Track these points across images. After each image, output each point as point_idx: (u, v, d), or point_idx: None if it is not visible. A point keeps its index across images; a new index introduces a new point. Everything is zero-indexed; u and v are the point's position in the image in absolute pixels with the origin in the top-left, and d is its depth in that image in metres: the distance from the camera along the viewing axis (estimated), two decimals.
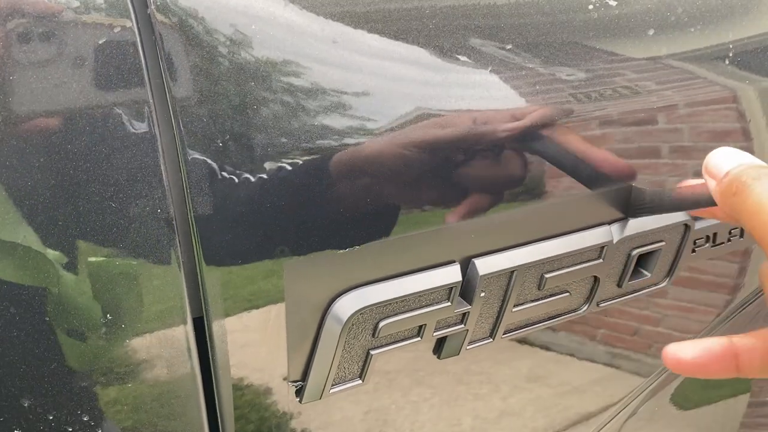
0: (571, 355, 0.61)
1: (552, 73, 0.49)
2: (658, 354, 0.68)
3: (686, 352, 0.41)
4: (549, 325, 0.53)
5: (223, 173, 0.37)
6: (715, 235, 0.60)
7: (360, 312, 0.42)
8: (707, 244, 0.60)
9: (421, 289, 0.44)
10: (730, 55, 0.57)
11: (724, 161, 0.40)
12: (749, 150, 0.61)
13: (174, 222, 0.37)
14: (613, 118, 0.51)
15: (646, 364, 0.68)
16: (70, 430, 0.38)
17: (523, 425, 0.62)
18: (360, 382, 0.45)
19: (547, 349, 0.59)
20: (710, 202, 0.42)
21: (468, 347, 0.49)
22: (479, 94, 0.45)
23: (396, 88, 0.43)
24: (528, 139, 0.46)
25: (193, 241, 0.37)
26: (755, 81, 0.60)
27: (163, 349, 0.39)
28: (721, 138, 0.59)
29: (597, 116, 0.50)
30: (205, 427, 0.42)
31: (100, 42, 0.34)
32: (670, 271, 0.58)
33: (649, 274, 0.56)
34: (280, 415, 0.45)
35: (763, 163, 0.39)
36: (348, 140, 0.40)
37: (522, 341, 0.56)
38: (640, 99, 0.52)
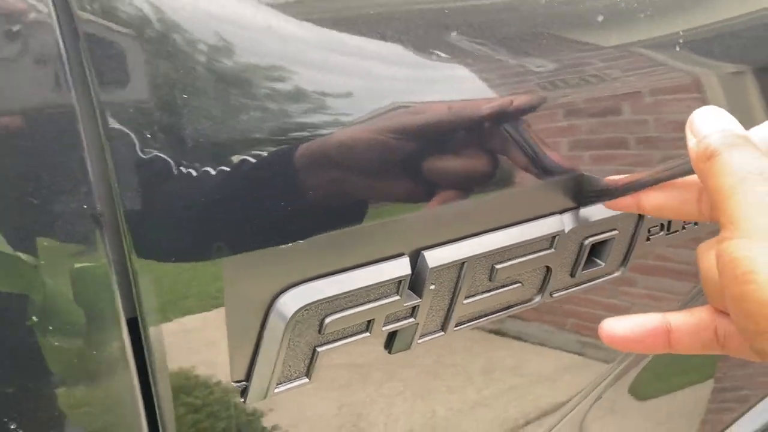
0: (542, 344, 0.61)
1: (521, 65, 0.48)
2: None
3: (620, 325, 0.42)
4: (502, 317, 0.52)
5: (153, 166, 0.35)
6: (669, 223, 0.60)
7: (305, 308, 0.41)
8: (662, 233, 0.60)
9: (369, 284, 0.43)
10: (691, 40, 0.57)
11: (707, 122, 0.40)
12: None
13: (101, 219, 0.35)
14: (579, 106, 0.50)
15: (614, 352, 0.68)
16: None
17: (495, 416, 0.61)
18: (307, 380, 0.44)
19: (519, 339, 0.58)
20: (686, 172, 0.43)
21: (419, 341, 0.48)
22: (450, 88, 0.45)
23: (366, 83, 0.41)
24: (478, 129, 0.44)
25: (123, 238, 0.35)
26: (716, 67, 0.60)
27: (94, 351, 0.37)
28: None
29: (562, 104, 0.49)
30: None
31: (15, 30, 0.32)
32: (625, 260, 0.58)
33: (602, 264, 0.56)
34: (248, 414, 0.44)
35: (744, 132, 0.39)
36: (288, 132, 0.38)
37: (493, 332, 0.56)
38: (605, 86, 0.52)
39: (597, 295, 0.62)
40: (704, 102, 0.59)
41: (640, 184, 0.46)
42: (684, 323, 0.41)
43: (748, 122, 0.41)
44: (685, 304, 0.70)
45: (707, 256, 0.41)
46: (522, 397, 0.63)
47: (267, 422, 0.46)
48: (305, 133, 0.39)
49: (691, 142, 0.40)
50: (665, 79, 0.56)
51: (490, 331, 0.56)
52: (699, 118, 0.40)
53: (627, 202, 0.47)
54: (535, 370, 0.63)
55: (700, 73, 0.59)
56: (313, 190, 0.39)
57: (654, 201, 0.46)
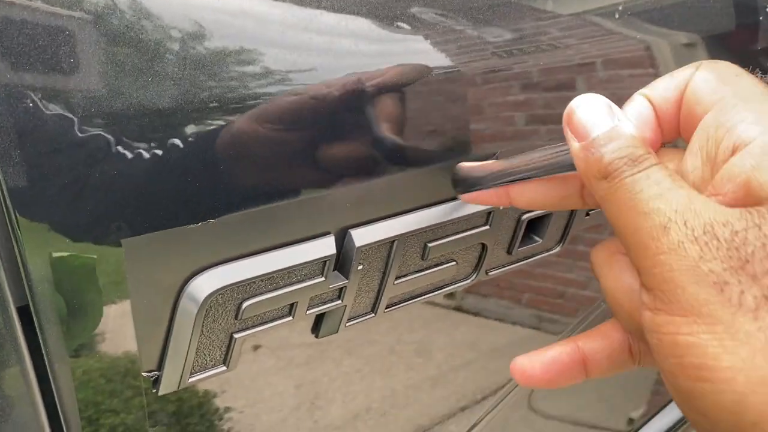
0: (500, 320, 0.59)
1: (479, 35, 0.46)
2: (585, 317, 0.67)
3: (534, 367, 0.37)
4: (433, 297, 0.50)
5: (38, 135, 0.32)
6: None
7: (218, 292, 0.38)
8: None
9: (291, 265, 0.40)
10: (642, 9, 0.56)
11: (594, 120, 0.32)
12: None
13: None
14: (534, 79, 0.48)
15: (572, 327, 0.67)
16: None
17: (452, 391, 0.60)
18: (224, 368, 0.41)
19: (476, 315, 0.57)
20: (568, 168, 0.35)
21: (347, 324, 0.46)
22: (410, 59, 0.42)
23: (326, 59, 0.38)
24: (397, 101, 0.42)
25: (7, 218, 0.32)
26: (668, 35, 0.59)
27: None
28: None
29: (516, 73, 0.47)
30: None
31: None
32: (563, 236, 0.56)
33: (540, 240, 0.54)
34: (199, 396, 0.41)
35: (639, 140, 0.32)
36: (199, 100, 0.35)
37: (450, 308, 0.54)
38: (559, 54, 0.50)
39: (555, 269, 0.61)
40: (657, 75, 0.58)
41: (512, 175, 0.39)
42: (598, 349, 0.37)
43: None
44: None
45: (611, 270, 0.36)
46: (478, 372, 0.62)
47: (221, 403, 0.43)
48: (220, 104, 0.36)
49: (575, 145, 0.33)
50: (618, 50, 0.55)
51: (449, 308, 0.54)
52: (581, 113, 0.33)
53: (493, 197, 0.40)
54: (493, 346, 0.61)
55: (652, 43, 0.57)
56: (225, 164, 0.37)
57: (528, 196, 0.39)
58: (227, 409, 0.44)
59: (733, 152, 0.29)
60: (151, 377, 0.39)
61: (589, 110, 0.33)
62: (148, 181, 0.34)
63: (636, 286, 0.32)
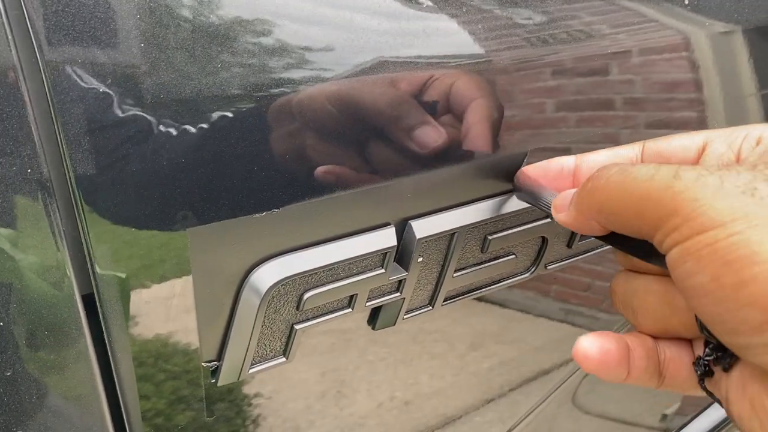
0: (526, 312, 0.58)
1: (509, 17, 0.44)
2: (611, 309, 0.66)
3: (595, 346, 0.36)
4: (493, 291, 0.49)
5: (108, 125, 0.31)
6: None
7: (281, 283, 0.37)
8: None
9: (352, 256, 0.39)
10: None
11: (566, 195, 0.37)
12: (698, 101, 0.57)
13: (50, 185, 0.31)
14: (566, 66, 0.47)
15: (599, 320, 0.66)
16: None
17: (478, 383, 0.59)
18: (284, 359, 0.41)
19: (502, 306, 0.56)
20: None
21: (405, 317, 0.45)
22: (438, 41, 0.40)
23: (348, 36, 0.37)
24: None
25: (75, 206, 0.31)
26: (707, 25, 0.56)
27: (47, 333, 0.33)
28: (672, 89, 0.55)
29: (550, 62, 0.46)
30: (106, 414, 0.37)
31: None
32: None
33: None
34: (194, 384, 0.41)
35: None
36: (262, 88, 0.34)
37: (476, 299, 0.53)
38: (593, 43, 0.48)
39: (581, 261, 0.59)
40: (692, 62, 0.56)
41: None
42: (639, 344, 0.37)
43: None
44: None
45: (634, 284, 0.37)
46: (504, 365, 0.61)
47: (249, 390, 0.43)
48: (283, 90, 0.35)
49: (560, 217, 0.37)
50: (655, 38, 0.53)
51: (475, 299, 0.53)
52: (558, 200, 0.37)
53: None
54: (518, 338, 0.60)
55: (690, 32, 0.55)
56: (290, 154, 0.36)
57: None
58: (256, 395, 0.43)
59: (757, 143, 0.33)
60: (211, 367, 0.39)
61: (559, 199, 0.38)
62: (215, 170, 0.34)
63: (663, 287, 0.35)
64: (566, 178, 0.41)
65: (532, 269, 0.50)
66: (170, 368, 0.38)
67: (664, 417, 0.93)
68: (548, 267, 0.51)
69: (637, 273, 0.38)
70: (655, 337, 0.37)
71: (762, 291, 0.26)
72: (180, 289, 0.35)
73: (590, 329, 0.65)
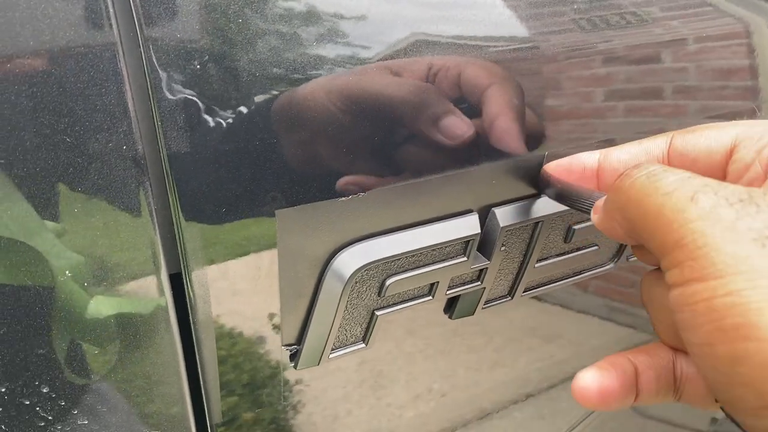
0: (566, 307, 0.56)
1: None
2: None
3: (591, 390, 0.33)
4: (573, 282, 0.48)
5: (201, 103, 0.30)
6: None
7: (365, 268, 0.36)
8: None
9: (434, 243, 0.38)
10: None
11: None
12: (753, 89, 0.54)
13: (144, 162, 0.31)
14: (618, 53, 0.44)
15: (641, 318, 0.63)
16: (32, 401, 0.33)
17: (517, 377, 0.58)
18: (363, 345, 0.40)
19: (541, 300, 0.54)
20: None
21: (484, 307, 0.44)
22: (476, 17, 0.39)
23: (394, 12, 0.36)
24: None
25: (167, 184, 0.31)
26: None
27: (134, 310, 0.33)
28: (726, 77, 0.52)
29: (601, 50, 0.43)
30: (185, 386, 0.37)
31: None
32: None
33: None
34: (271, 366, 0.40)
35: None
36: (346, 70, 0.34)
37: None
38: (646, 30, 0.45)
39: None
40: (750, 49, 0.53)
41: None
42: (648, 365, 0.33)
43: None
44: None
45: (656, 291, 0.33)
46: (542, 360, 0.59)
47: (289, 376, 0.43)
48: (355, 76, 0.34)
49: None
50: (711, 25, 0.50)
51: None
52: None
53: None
54: (558, 334, 0.58)
55: (750, 19, 0.52)
56: (377, 138, 0.35)
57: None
58: (297, 382, 0.43)
59: None
60: (291, 351, 0.38)
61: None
62: (303, 152, 0.33)
63: None
64: (590, 178, 0.37)
65: (615, 260, 0.48)
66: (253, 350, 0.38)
67: (714, 421, 0.90)
68: (630, 259, 0.49)
69: (659, 277, 0.34)
70: (675, 349, 0.34)
71: (757, 373, 0.23)
72: (266, 271, 0.35)
73: (632, 327, 0.63)
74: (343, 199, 0.35)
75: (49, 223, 0.29)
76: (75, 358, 0.32)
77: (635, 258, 0.49)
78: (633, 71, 0.45)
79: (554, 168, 0.39)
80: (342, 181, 0.34)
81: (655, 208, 0.27)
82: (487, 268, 0.41)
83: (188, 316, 0.35)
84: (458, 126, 0.37)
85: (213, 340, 0.36)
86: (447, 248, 0.39)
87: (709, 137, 0.33)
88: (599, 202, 0.34)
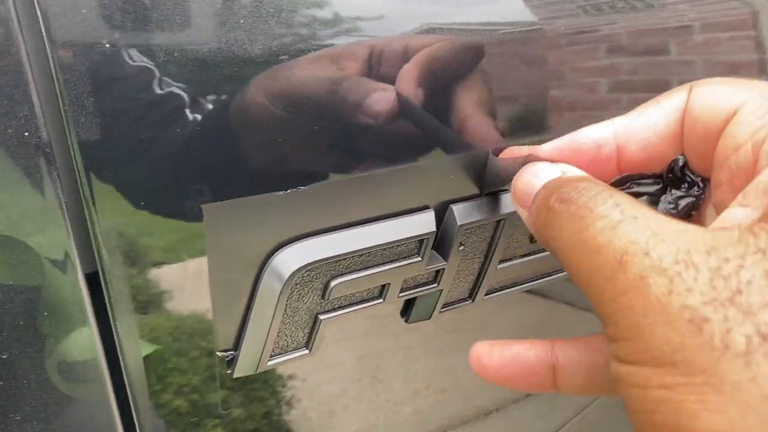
0: (570, 304, 0.54)
1: None
2: None
3: (492, 357, 0.31)
4: (540, 284, 0.45)
5: (115, 87, 0.27)
6: None
7: (306, 269, 0.34)
8: None
9: (385, 242, 0.36)
10: None
11: (533, 182, 0.29)
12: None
13: (50, 150, 0.28)
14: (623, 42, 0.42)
15: None
16: None
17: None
18: (306, 351, 0.37)
19: (544, 296, 0.51)
20: None
21: (441, 310, 0.41)
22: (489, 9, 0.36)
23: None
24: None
25: (78, 175, 0.28)
26: None
27: (46, 312, 0.30)
28: (735, 70, 0.50)
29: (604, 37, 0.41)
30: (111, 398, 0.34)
31: None
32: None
33: None
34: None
35: (581, 174, 0.28)
36: (289, 53, 0.31)
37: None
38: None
39: None
40: (759, 41, 0.50)
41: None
42: (578, 360, 0.30)
43: None
44: None
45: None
46: None
47: (284, 370, 0.41)
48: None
49: (524, 214, 0.29)
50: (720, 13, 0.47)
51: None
52: (520, 184, 0.30)
53: None
54: (561, 332, 0.56)
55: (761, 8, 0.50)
56: (320, 127, 0.32)
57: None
58: (290, 377, 0.40)
59: None
60: (227, 357, 0.35)
61: (526, 177, 0.29)
62: (235, 141, 0.30)
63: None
64: (607, 161, 0.30)
65: None
66: (205, 345, 0.35)
67: None
68: None
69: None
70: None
71: None
72: (194, 271, 0.32)
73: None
74: (281, 193, 0.32)
75: None
76: None
77: None
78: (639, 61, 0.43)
79: (549, 150, 0.31)
80: None
81: (586, 269, 0.23)
82: (444, 268, 0.39)
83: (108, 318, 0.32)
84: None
85: (137, 345, 0.33)
86: (399, 247, 0.37)
87: (719, 94, 0.28)
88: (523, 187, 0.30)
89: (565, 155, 0.31)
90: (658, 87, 0.45)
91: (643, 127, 0.30)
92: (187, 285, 0.33)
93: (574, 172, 0.29)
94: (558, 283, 0.51)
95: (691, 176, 0.29)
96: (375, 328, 0.41)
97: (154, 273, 0.31)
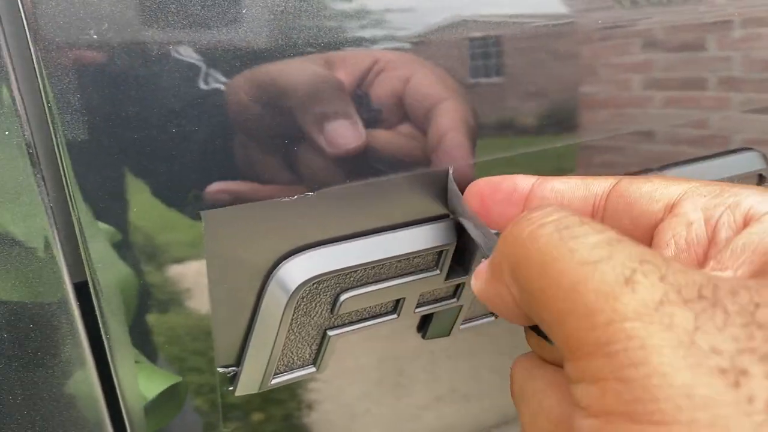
0: None
1: None
2: None
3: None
4: None
5: (106, 83, 0.25)
6: None
7: (313, 281, 0.31)
8: None
9: (401, 253, 0.33)
10: None
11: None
12: None
13: (33, 151, 0.25)
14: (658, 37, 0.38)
15: None
16: None
17: None
18: (313, 369, 0.35)
19: None
20: None
21: (462, 326, 0.38)
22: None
23: None
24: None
25: (65, 178, 0.26)
26: None
27: (34, 327, 0.28)
28: None
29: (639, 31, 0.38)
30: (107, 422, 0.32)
31: None
32: None
33: None
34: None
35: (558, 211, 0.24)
36: (294, 49, 0.28)
37: None
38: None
39: None
40: None
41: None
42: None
43: None
44: None
45: (537, 386, 0.25)
46: None
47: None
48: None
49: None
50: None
51: None
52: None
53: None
54: None
55: None
56: (330, 128, 0.29)
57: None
58: (311, 379, 0.38)
59: (745, 224, 0.24)
60: (228, 374, 0.33)
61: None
62: (236, 142, 0.28)
63: (565, 413, 0.22)
64: (516, 203, 0.30)
65: None
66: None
67: None
68: None
69: (546, 372, 0.25)
70: None
71: None
72: (193, 290, 0.30)
73: None
74: (287, 199, 0.29)
75: None
76: None
77: None
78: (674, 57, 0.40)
79: (483, 184, 0.31)
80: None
81: (569, 283, 0.19)
82: (465, 283, 0.36)
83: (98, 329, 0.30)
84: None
85: (130, 357, 0.31)
86: (416, 259, 0.34)
87: (657, 184, 0.27)
88: (483, 265, 0.26)
89: (487, 189, 0.31)
90: (693, 84, 0.42)
91: (554, 188, 0.30)
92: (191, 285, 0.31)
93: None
94: None
95: None
96: (399, 330, 0.38)
97: (155, 274, 0.29)
